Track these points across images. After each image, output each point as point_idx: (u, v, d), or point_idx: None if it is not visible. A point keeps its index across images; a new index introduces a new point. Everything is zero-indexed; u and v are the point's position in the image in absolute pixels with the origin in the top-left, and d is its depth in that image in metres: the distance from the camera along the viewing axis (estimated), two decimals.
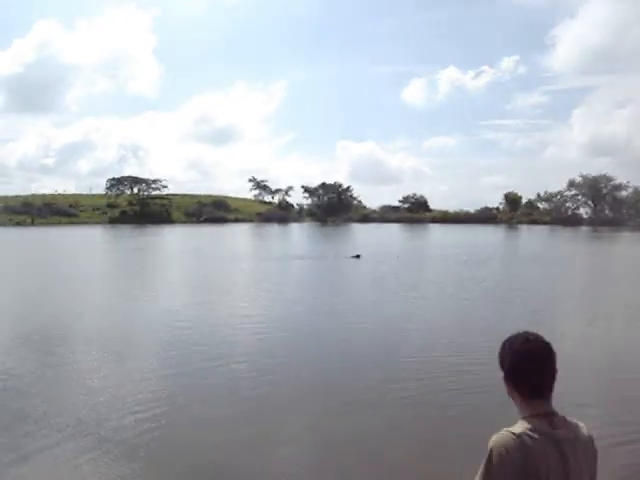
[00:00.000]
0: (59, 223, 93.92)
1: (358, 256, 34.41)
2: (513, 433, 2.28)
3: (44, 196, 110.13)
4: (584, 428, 2.38)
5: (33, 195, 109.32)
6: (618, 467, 6.61)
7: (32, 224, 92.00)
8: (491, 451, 2.28)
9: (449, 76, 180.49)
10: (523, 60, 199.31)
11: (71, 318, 16.08)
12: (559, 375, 2.33)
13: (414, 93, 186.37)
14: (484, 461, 2.30)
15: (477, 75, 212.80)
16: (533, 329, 2.39)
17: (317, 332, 14.45)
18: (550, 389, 2.38)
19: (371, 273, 27.01)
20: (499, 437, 2.30)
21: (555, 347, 2.35)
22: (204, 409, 8.74)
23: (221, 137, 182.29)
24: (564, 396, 8.81)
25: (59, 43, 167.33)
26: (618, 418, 8.31)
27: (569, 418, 2.38)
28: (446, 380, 9.99)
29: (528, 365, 2.36)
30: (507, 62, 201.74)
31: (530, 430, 2.27)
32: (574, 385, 9.42)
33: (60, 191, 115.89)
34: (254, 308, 17.97)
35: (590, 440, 2.37)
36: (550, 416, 2.33)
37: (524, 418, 2.34)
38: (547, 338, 2.37)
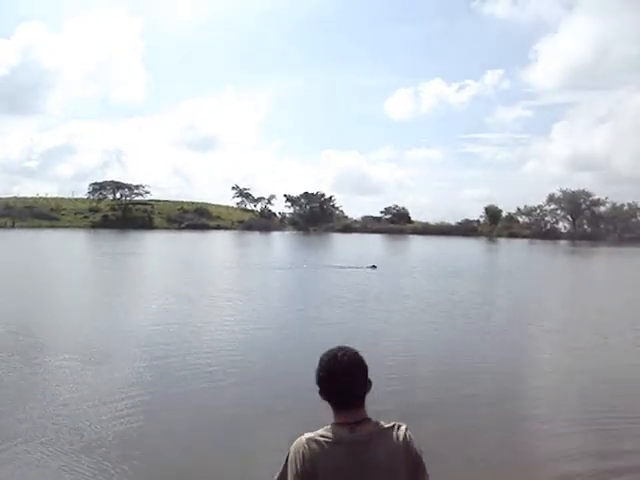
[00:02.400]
0: (40, 227, 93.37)
1: (374, 266, 34.67)
2: (307, 439, 2.50)
3: (25, 199, 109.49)
4: (401, 431, 2.53)
5: (14, 198, 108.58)
6: None
7: (13, 227, 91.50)
8: (288, 453, 2.53)
9: (433, 89, 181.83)
10: (506, 74, 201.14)
11: (45, 324, 16.10)
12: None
13: (398, 104, 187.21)
14: (283, 462, 2.54)
15: (461, 88, 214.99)
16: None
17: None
18: (356, 402, 2.53)
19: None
20: (296, 441, 2.53)
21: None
22: (180, 419, 8.81)
23: (205, 144, 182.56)
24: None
25: (45, 45, 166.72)
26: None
27: (382, 423, 2.54)
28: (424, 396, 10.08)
29: (330, 381, 2.53)
30: (491, 76, 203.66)
31: (321, 436, 2.48)
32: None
33: (42, 194, 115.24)
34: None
35: (403, 443, 2.50)
36: (353, 424, 2.49)
37: (329, 424, 2.54)
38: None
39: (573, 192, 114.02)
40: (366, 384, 2.57)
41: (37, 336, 14.38)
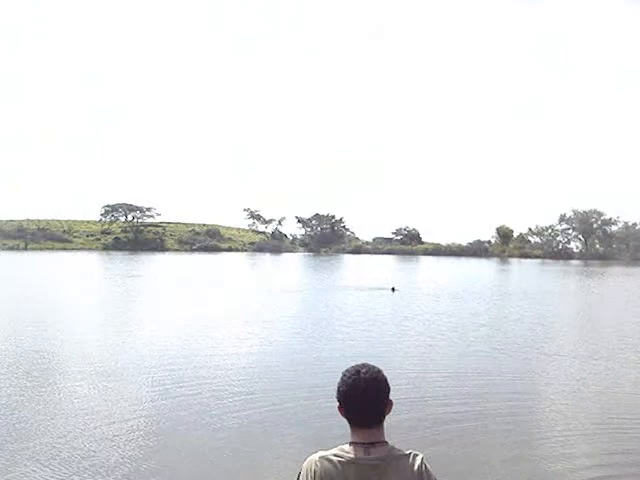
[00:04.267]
0: (52, 249, 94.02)
1: (393, 289, 34.45)
2: (320, 457, 2.48)
3: (38, 221, 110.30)
4: (417, 461, 2.47)
5: (27, 220, 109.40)
6: None
7: (25, 249, 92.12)
8: (300, 471, 2.52)
9: None
10: None
11: (56, 346, 16.05)
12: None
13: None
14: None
15: None
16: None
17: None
18: (374, 421, 2.51)
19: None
20: (308, 459, 2.51)
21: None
22: (191, 441, 8.80)
23: (217, 163, 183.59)
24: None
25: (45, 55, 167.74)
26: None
27: (398, 449, 2.51)
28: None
29: (350, 398, 2.51)
30: None
31: (335, 455, 2.46)
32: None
33: (54, 216, 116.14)
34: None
35: (418, 473, 2.45)
36: (369, 445, 2.46)
37: (345, 443, 2.52)
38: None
39: (585, 211, 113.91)
40: (386, 404, 2.55)
41: (49, 358, 14.36)
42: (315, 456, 2.49)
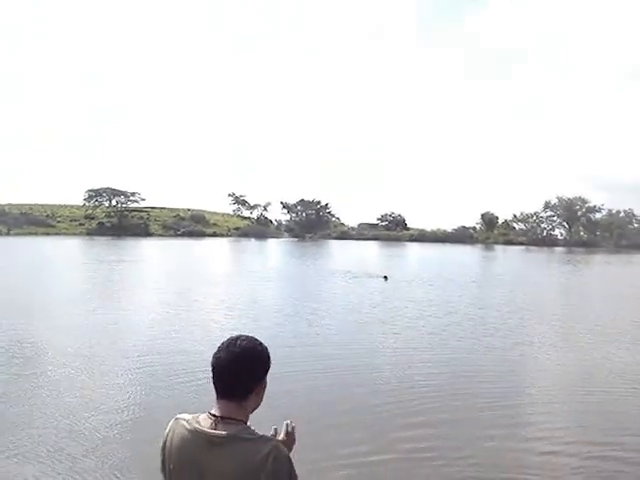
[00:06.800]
0: (35, 234, 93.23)
1: (385, 277, 34.04)
2: (177, 419, 2.44)
3: (21, 206, 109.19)
4: (266, 447, 2.26)
5: (10, 204, 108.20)
6: None
7: (8, 234, 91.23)
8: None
9: None
10: None
11: (40, 332, 15.92)
12: None
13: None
14: None
15: None
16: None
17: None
18: (231, 393, 2.36)
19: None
20: (174, 418, 2.47)
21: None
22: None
23: (202, 149, 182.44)
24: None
25: (45, 55, 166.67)
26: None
27: (251, 432, 2.32)
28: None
29: (216, 363, 2.39)
30: None
31: (187, 421, 2.38)
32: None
33: (37, 201, 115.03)
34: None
35: (261, 460, 2.22)
36: (219, 418, 2.32)
37: (207, 412, 2.40)
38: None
39: (569, 199, 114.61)
40: (253, 380, 2.40)
41: (29, 345, 14.07)
42: (176, 417, 2.46)
